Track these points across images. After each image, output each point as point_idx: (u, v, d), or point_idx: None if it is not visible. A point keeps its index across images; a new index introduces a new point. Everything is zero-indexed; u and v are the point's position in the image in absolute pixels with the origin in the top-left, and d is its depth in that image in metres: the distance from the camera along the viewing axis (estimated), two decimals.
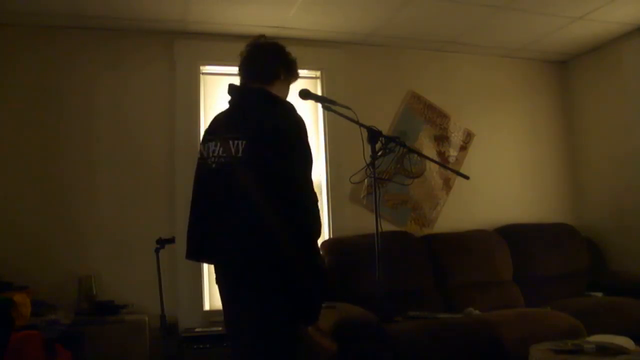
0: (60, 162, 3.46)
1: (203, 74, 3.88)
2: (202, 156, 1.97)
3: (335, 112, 2.44)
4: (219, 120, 2.05)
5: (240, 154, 1.86)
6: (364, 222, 3.63)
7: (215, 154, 1.92)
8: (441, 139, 4.32)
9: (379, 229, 2.48)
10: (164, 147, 3.67)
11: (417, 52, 4.33)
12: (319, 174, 4.02)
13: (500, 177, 4.44)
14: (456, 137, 4.36)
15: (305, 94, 2.47)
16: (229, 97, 2.07)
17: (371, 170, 2.46)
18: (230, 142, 1.88)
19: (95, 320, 3.03)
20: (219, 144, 1.91)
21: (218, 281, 1.97)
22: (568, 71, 4.76)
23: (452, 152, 4.34)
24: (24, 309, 2.76)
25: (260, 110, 1.95)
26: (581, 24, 3.93)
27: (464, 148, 4.38)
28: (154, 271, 2.92)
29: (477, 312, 3.41)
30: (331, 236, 3.89)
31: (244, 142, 1.86)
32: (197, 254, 2.00)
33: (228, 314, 1.95)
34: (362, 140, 2.45)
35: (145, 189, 3.61)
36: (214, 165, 1.92)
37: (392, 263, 2.98)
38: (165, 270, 3.03)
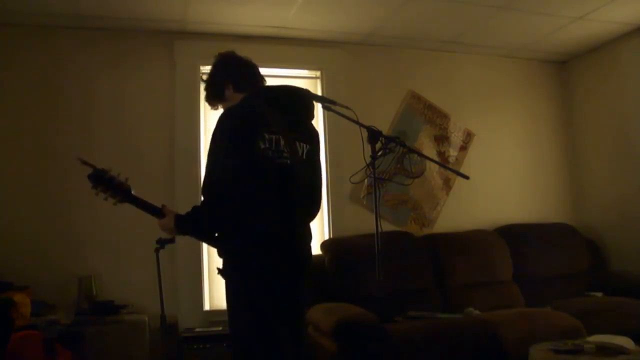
0: (60, 162, 3.45)
1: (203, 74, 3.87)
2: (262, 147, 1.81)
3: (335, 112, 2.43)
4: (270, 115, 1.87)
5: (304, 157, 1.92)
6: (364, 222, 3.63)
7: (282, 150, 1.84)
8: (441, 139, 4.32)
9: (379, 229, 2.47)
10: (164, 147, 3.67)
11: (417, 52, 4.33)
12: None
13: (500, 177, 4.44)
14: (456, 137, 4.36)
15: None
16: (275, 94, 1.99)
17: (371, 170, 2.45)
18: (297, 144, 1.90)
19: (95, 320, 3.02)
20: (282, 142, 1.85)
21: (272, 283, 1.83)
22: (568, 71, 4.76)
23: (452, 152, 4.34)
24: (24, 309, 2.76)
25: (313, 117, 2.08)
26: (581, 24, 3.93)
27: (464, 148, 4.38)
28: (154, 271, 2.90)
29: (477, 312, 3.41)
30: (331, 236, 3.89)
31: (307, 146, 1.94)
32: (283, 251, 1.85)
33: (282, 314, 1.85)
34: (362, 140, 2.45)
35: (145, 188, 3.55)
36: (281, 161, 1.84)
37: (392, 263, 2.98)
38: (165, 270, 3.02)
